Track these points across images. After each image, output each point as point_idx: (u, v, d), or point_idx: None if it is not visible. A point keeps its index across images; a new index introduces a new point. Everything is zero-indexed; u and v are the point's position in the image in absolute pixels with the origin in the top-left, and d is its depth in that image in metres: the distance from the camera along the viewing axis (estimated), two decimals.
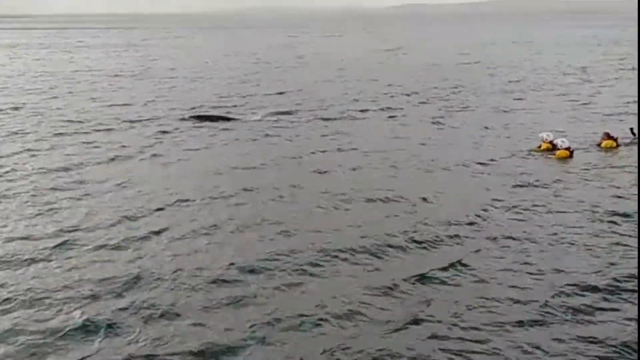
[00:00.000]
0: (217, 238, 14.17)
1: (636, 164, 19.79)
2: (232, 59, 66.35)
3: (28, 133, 26.03)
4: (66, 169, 19.91)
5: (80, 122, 28.55)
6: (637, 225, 14.69)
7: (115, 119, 29.08)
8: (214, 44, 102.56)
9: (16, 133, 25.98)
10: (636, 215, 15.24)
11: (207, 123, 28.36)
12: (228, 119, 29.33)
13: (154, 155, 22.28)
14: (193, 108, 32.31)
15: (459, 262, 12.74)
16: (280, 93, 38.04)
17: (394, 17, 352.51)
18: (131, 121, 28.80)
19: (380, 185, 18.18)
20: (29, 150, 22.75)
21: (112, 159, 21.40)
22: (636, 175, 18.57)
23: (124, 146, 23.52)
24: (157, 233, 14.43)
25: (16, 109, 32.48)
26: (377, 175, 19.53)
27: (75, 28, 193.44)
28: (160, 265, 12.69)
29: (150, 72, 53.03)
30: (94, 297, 11.40)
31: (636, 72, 43.09)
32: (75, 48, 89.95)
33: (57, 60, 66.72)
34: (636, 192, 16.89)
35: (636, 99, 29.89)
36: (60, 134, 25.99)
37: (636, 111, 27.78)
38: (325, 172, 19.79)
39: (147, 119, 29.35)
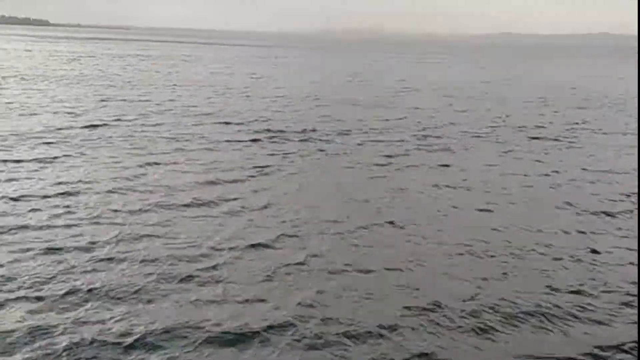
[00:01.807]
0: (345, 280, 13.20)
1: None
2: (338, 81, 66.55)
3: (141, 148, 25.92)
4: (183, 189, 19.42)
5: (189, 139, 28.59)
6: None
7: (228, 139, 28.86)
8: (315, 64, 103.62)
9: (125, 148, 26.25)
10: None
11: (320, 144, 28.42)
12: (341, 141, 29.38)
13: (272, 177, 22.00)
14: (304, 130, 32.12)
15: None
16: (386, 120, 37.57)
17: (487, 46, 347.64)
18: (246, 140, 28.77)
19: (494, 232, 16.93)
20: (150, 163, 22.75)
21: (229, 179, 20.96)
22: None
23: (239, 166, 23.28)
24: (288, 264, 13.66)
25: (121, 119, 32.80)
26: (488, 217, 18.32)
27: (179, 42, 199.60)
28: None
29: (256, 90, 53.78)
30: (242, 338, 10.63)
31: None
32: (180, 62, 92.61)
33: (165, 73, 68.69)
34: None
35: None
36: (177, 150, 25.88)
37: None
38: (435, 212, 18.50)
39: (264, 137, 29.46)
